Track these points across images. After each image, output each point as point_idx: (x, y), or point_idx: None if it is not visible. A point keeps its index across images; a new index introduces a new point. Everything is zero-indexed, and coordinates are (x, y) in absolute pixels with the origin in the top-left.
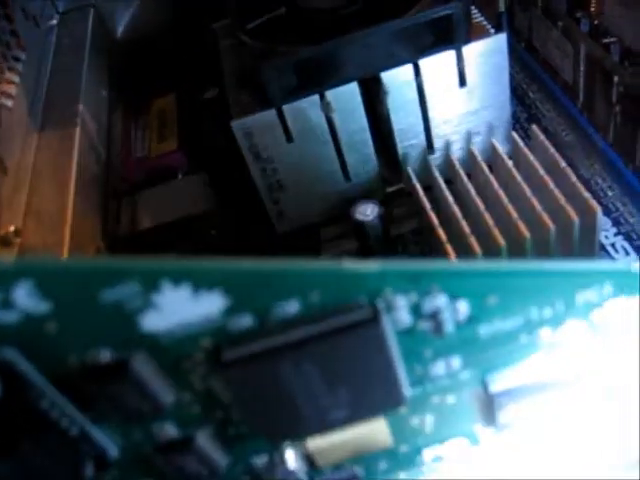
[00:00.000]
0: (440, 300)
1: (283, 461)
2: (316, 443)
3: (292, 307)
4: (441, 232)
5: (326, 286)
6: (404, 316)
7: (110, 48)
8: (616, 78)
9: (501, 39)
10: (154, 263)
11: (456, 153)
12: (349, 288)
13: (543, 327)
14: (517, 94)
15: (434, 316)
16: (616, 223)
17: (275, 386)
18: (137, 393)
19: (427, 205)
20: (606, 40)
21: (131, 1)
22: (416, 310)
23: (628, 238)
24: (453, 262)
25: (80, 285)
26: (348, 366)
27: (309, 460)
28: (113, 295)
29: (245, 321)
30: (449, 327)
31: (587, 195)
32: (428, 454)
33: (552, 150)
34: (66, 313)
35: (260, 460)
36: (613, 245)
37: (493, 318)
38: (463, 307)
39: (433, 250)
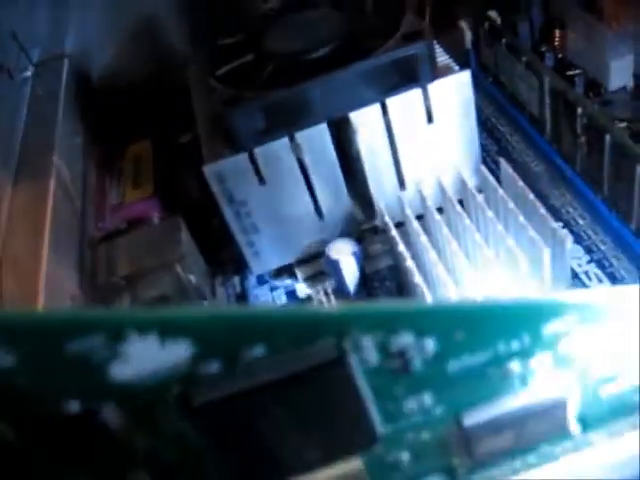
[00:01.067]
0: (406, 339)
1: None
2: None
3: (259, 351)
4: (413, 267)
5: (292, 329)
6: (371, 355)
7: (85, 96)
8: (579, 110)
9: (465, 76)
10: (120, 314)
11: (427, 188)
12: (315, 330)
13: (512, 360)
14: (487, 127)
15: (401, 354)
16: (588, 251)
17: (246, 429)
18: (108, 442)
19: (399, 241)
20: (570, 73)
21: (105, 50)
22: (383, 349)
23: (600, 265)
24: (417, 301)
25: (46, 337)
26: (318, 407)
27: None
28: (80, 346)
29: (213, 366)
30: (417, 364)
31: (555, 225)
32: None
33: (521, 183)
34: (33, 365)
35: None
36: (586, 273)
37: (461, 354)
38: (430, 344)
39: (407, 286)
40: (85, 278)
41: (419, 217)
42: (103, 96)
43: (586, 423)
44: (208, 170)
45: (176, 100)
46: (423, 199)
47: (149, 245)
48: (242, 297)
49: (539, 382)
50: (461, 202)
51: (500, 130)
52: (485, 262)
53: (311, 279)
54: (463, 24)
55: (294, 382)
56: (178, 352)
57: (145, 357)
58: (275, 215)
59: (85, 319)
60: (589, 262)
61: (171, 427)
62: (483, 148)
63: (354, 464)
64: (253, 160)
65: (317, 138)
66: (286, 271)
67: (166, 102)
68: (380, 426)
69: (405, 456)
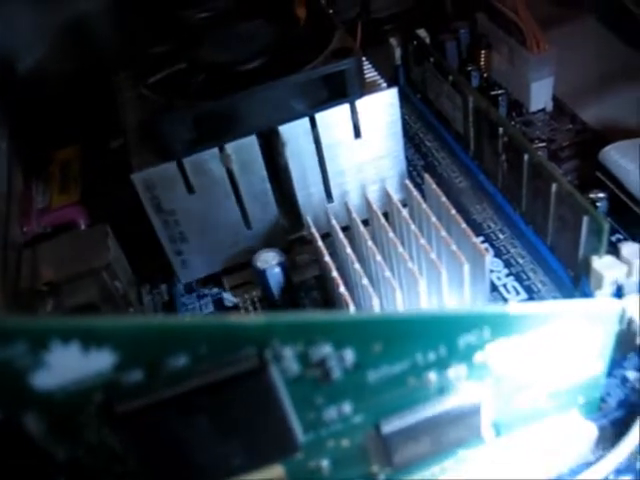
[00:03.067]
0: (325, 349)
1: None
2: None
3: (181, 360)
4: (338, 278)
5: (213, 339)
6: (292, 365)
7: (9, 100)
8: (500, 130)
9: (393, 93)
10: (42, 323)
11: (353, 201)
12: (237, 340)
13: (429, 370)
14: (414, 143)
15: (321, 364)
16: (507, 265)
17: (168, 437)
18: (30, 450)
19: (324, 252)
20: (494, 92)
21: (33, 52)
22: (303, 359)
23: (518, 279)
24: (336, 313)
25: None
26: (239, 415)
27: None
28: (1, 354)
29: (136, 375)
30: (337, 374)
31: (475, 240)
32: None
33: (443, 198)
34: None
35: None
36: (505, 286)
37: (380, 364)
38: (349, 355)
39: (332, 296)
40: (8, 283)
41: (345, 229)
42: (30, 99)
43: (500, 428)
44: (136, 178)
45: (107, 105)
46: (349, 211)
47: (75, 251)
48: (169, 305)
49: (455, 390)
50: (386, 215)
51: (427, 145)
52: (408, 274)
53: (238, 288)
54: (393, 41)
55: (216, 391)
56: (101, 361)
57: (68, 365)
58: (203, 224)
59: (7, 326)
60: (508, 275)
61: (94, 435)
62: (410, 163)
63: (276, 471)
64: (182, 169)
65: (246, 149)
66: (214, 280)
67: (97, 106)
68: (301, 434)
69: (325, 463)
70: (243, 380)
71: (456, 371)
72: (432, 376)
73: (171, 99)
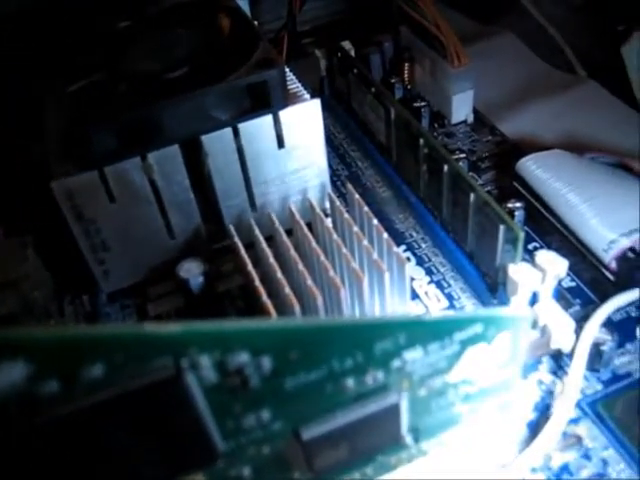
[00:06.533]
0: (243, 357)
1: None
2: None
3: (97, 370)
4: (260, 288)
5: (130, 349)
6: (209, 374)
7: None
8: (421, 141)
9: (315, 104)
10: None
11: (277, 211)
12: (153, 350)
13: (347, 377)
14: (339, 153)
15: (239, 372)
16: (429, 272)
17: (86, 446)
18: None
19: (247, 262)
20: (417, 104)
21: None
22: (221, 367)
23: (439, 286)
24: (252, 321)
25: None
26: (157, 425)
27: None
28: None
29: (51, 385)
30: (255, 382)
31: (397, 249)
32: None
33: (366, 208)
34: None
35: None
36: (427, 293)
37: (297, 371)
38: (266, 362)
39: (255, 306)
40: None
41: (269, 238)
42: None
43: (418, 434)
44: (56, 186)
45: (27, 110)
46: (272, 221)
47: None
48: (92, 315)
49: (373, 396)
50: (310, 225)
51: (351, 155)
52: (330, 283)
53: (162, 298)
54: (318, 53)
55: (132, 400)
56: (15, 372)
57: None
58: (126, 234)
59: None
60: (429, 283)
61: (11, 446)
62: (335, 173)
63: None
64: (104, 178)
65: (169, 159)
66: (137, 290)
67: (17, 111)
68: (220, 443)
69: (247, 471)
70: (159, 389)
71: (373, 377)
72: (349, 382)
73: (93, 108)
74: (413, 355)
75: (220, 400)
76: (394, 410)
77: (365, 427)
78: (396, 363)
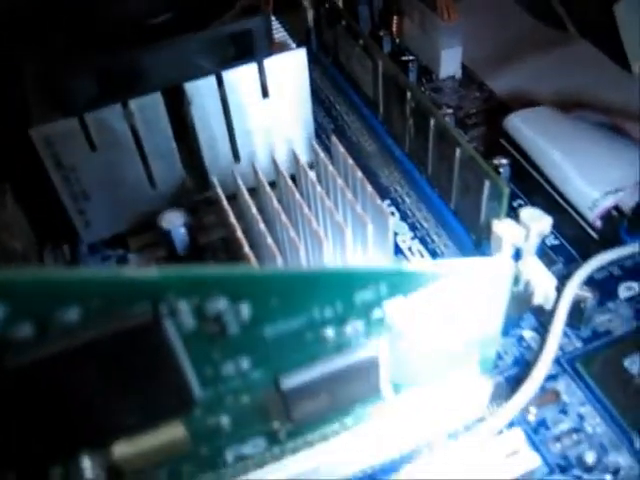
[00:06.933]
0: (221, 303)
1: (80, 471)
2: (121, 450)
3: (73, 314)
4: (242, 239)
5: (107, 293)
6: (188, 320)
7: None
8: (408, 94)
9: (301, 54)
10: None
11: (261, 162)
12: (130, 294)
13: (326, 326)
14: (325, 106)
15: (217, 319)
16: (412, 228)
17: (61, 392)
18: None
19: (230, 213)
20: (405, 58)
21: None
22: (199, 313)
23: (423, 242)
24: (231, 267)
25: None
26: (134, 371)
27: (115, 468)
28: None
29: (25, 329)
30: (234, 329)
31: (380, 203)
32: (229, 454)
33: (350, 161)
34: None
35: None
36: (410, 249)
37: (276, 319)
38: (245, 309)
39: (237, 257)
40: None
41: (252, 190)
42: None
43: (398, 386)
44: (35, 133)
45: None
46: (256, 172)
47: None
48: (72, 266)
49: (353, 347)
50: (294, 177)
51: (337, 109)
52: (313, 236)
53: (143, 249)
54: (305, 3)
55: (109, 345)
56: None
57: None
58: (107, 183)
59: None
60: (413, 238)
61: None
62: (320, 126)
63: (177, 430)
64: (84, 125)
65: (151, 107)
66: (118, 241)
67: None
68: (198, 390)
69: (225, 420)
70: (137, 334)
71: (353, 327)
72: (329, 332)
73: (74, 53)
74: (394, 306)
75: (198, 347)
76: (374, 361)
77: (344, 378)
78: (377, 313)
